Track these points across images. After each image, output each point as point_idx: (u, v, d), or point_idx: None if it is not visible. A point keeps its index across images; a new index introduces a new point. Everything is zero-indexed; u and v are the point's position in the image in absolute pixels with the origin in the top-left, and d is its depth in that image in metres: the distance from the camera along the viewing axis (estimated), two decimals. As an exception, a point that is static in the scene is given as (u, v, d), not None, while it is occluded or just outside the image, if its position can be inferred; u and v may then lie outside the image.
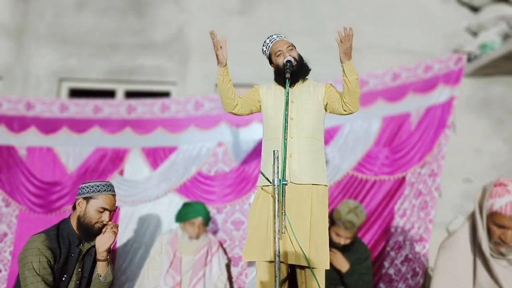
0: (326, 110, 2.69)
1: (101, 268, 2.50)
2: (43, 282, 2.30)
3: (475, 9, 5.19)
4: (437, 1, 5.23)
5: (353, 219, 3.12)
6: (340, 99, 2.59)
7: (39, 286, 2.29)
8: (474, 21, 5.07)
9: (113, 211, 2.56)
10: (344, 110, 2.59)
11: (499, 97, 5.03)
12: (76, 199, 2.53)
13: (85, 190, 2.51)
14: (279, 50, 2.64)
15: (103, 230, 2.49)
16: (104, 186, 2.53)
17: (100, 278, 2.49)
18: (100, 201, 2.49)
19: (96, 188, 2.50)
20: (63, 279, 2.46)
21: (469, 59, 4.70)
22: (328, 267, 2.49)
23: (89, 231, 2.48)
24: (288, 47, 2.64)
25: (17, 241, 3.93)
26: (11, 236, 3.95)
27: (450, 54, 4.57)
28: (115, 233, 2.50)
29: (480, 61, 4.70)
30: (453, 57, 3.96)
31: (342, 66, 2.50)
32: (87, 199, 2.49)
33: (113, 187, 2.59)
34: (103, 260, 2.49)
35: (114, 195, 2.57)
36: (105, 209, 2.49)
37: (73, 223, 2.51)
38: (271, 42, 2.70)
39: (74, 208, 2.55)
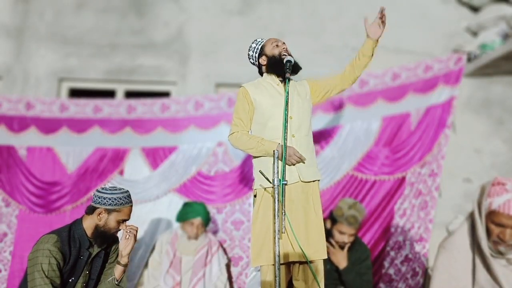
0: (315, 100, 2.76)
1: (119, 273, 2.51)
2: (51, 285, 2.30)
3: (475, 9, 5.19)
4: (437, 1, 5.23)
5: (355, 213, 3.14)
6: (335, 84, 2.75)
7: None
8: (474, 21, 5.07)
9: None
10: (342, 90, 2.81)
11: (499, 97, 5.03)
12: (95, 207, 2.49)
13: (107, 201, 2.46)
14: (275, 41, 2.67)
15: (124, 235, 2.50)
16: (126, 198, 2.52)
17: (119, 283, 2.49)
18: (122, 213, 2.50)
19: (119, 201, 2.48)
20: (70, 281, 2.47)
21: (469, 59, 4.71)
22: (325, 257, 2.55)
23: (106, 238, 2.52)
24: (283, 43, 2.68)
25: (17, 241, 3.92)
26: (11, 236, 3.94)
27: (450, 54, 4.57)
28: (135, 236, 2.51)
29: (480, 61, 4.70)
30: (453, 57, 3.96)
31: (370, 40, 2.68)
32: (109, 211, 2.47)
33: (130, 196, 2.59)
34: (124, 265, 2.50)
35: (132, 205, 2.58)
36: (125, 220, 2.53)
37: (86, 226, 2.50)
38: (263, 40, 2.73)
39: (88, 212, 2.53)
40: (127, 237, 2.50)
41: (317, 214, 2.56)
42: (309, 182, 2.57)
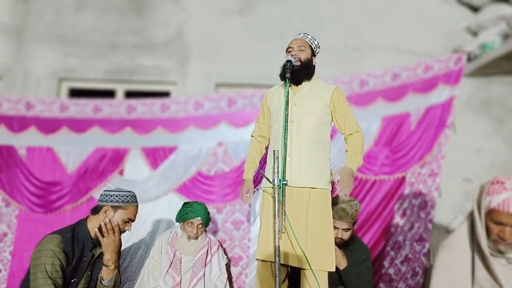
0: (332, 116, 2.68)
1: (105, 273, 2.52)
2: (53, 285, 2.31)
3: (475, 9, 5.19)
4: (437, 1, 5.24)
5: (346, 207, 3.09)
6: (339, 128, 2.72)
7: None
8: (474, 21, 5.07)
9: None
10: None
11: (499, 97, 5.04)
12: (101, 205, 2.52)
13: (114, 198, 2.51)
14: (290, 48, 2.67)
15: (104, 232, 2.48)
16: (133, 197, 2.59)
17: (103, 281, 2.50)
18: (128, 212, 2.54)
19: (126, 199, 2.54)
20: (72, 281, 2.47)
21: (469, 59, 4.71)
22: (333, 269, 2.50)
23: None
24: (299, 46, 2.65)
25: (17, 241, 3.92)
26: (11, 236, 3.95)
27: (450, 54, 4.57)
28: (113, 233, 2.49)
29: (480, 61, 4.71)
30: (453, 57, 3.96)
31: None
32: (115, 208, 2.51)
33: (136, 197, 2.65)
34: (105, 266, 2.51)
35: (137, 206, 2.63)
36: (130, 219, 2.55)
37: (90, 227, 2.51)
38: (292, 40, 2.72)
39: (94, 212, 2.55)
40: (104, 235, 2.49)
41: (312, 223, 2.48)
42: (301, 188, 2.51)
